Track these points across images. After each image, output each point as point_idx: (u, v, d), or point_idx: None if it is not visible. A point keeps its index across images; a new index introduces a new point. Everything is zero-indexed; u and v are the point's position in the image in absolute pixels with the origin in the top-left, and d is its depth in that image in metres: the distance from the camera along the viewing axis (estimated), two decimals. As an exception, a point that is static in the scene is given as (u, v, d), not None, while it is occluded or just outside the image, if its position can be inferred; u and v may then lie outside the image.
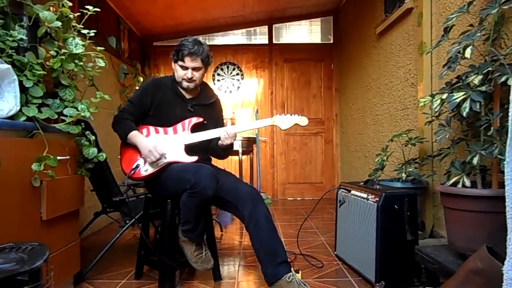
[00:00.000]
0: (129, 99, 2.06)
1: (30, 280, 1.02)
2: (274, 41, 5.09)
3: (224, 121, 2.26)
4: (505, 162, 1.06)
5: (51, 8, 1.64)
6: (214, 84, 5.02)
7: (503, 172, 1.10)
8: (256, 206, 1.79)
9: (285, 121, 2.01)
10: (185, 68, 1.94)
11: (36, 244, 1.16)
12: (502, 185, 1.21)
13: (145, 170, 1.88)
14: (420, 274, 1.86)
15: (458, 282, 1.30)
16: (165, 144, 1.91)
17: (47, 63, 1.63)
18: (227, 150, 2.05)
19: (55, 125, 1.64)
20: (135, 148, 1.92)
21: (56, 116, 1.63)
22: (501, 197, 1.13)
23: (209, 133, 1.97)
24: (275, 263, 1.71)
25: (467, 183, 1.54)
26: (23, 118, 1.49)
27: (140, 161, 1.89)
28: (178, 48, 1.94)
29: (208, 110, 2.08)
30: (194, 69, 1.95)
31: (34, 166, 1.47)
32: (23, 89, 1.49)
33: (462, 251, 1.55)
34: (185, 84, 1.98)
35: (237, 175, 2.23)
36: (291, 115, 2.02)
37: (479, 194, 1.49)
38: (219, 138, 1.95)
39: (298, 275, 1.75)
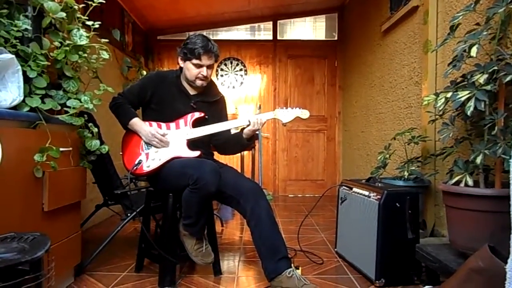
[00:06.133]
0: (130, 87, 2.06)
1: (31, 270, 1.02)
2: (278, 37, 5.07)
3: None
4: (510, 161, 1.05)
5: (55, -2, 1.64)
6: (218, 79, 5.01)
7: (506, 172, 1.09)
8: (258, 202, 1.79)
9: (287, 114, 2.00)
10: (200, 66, 1.93)
11: (37, 234, 1.16)
12: (505, 185, 1.21)
13: (148, 166, 1.87)
14: (420, 272, 1.86)
15: (459, 280, 1.30)
16: (168, 139, 1.91)
17: (51, 54, 1.63)
18: (251, 140, 2.02)
19: (58, 116, 1.64)
20: (136, 143, 1.93)
21: (59, 107, 1.64)
22: (503, 197, 1.13)
23: (211, 127, 1.96)
24: (276, 258, 1.71)
25: (470, 182, 1.53)
26: (26, 108, 1.49)
27: (143, 157, 1.89)
28: (191, 47, 1.90)
29: (212, 108, 2.07)
30: (208, 66, 1.95)
31: (37, 157, 1.47)
32: (26, 80, 1.49)
33: (463, 250, 1.54)
34: (199, 82, 1.97)
35: (239, 171, 2.24)
36: (292, 108, 2.02)
37: (481, 193, 1.48)
38: (240, 134, 1.97)
39: (298, 271, 1.75)
